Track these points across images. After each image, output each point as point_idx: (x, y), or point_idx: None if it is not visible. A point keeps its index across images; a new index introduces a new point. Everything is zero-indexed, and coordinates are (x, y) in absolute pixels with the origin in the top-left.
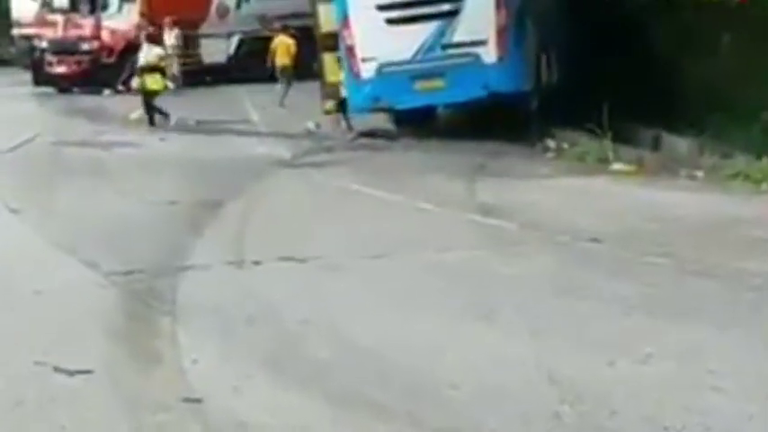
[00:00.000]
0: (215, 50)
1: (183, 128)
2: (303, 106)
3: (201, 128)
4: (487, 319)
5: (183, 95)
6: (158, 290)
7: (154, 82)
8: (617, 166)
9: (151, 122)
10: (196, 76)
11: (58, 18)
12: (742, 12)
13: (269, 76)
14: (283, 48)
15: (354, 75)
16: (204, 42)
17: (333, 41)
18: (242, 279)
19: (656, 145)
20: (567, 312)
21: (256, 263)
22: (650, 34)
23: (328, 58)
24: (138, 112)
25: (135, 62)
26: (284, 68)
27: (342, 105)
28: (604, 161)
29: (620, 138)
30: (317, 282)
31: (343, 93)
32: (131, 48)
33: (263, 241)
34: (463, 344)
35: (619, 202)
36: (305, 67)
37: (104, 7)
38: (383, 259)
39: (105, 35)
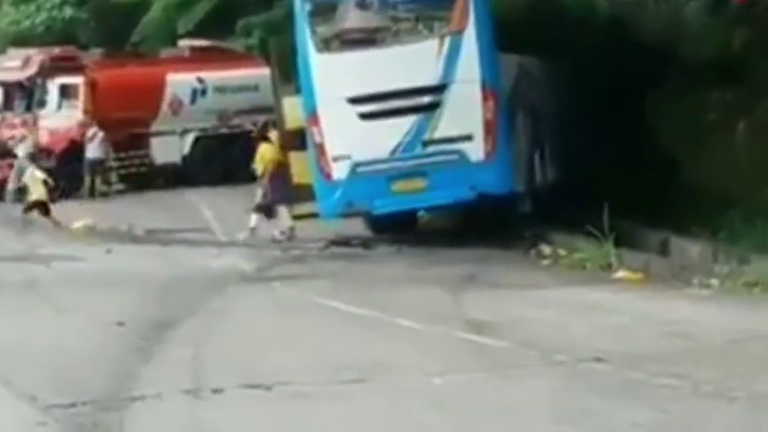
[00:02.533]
0: (167, 150)
1: (131, 238)
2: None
3: (152, 238)
4: None
5: (131, 201)
6: (105, 424)
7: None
8: (621, 273)
9: None
10: (146, 178)
11: None
12: (756, 95)
13: (230, 178)
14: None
15: (324, 176)
16: (155, 141)
17: (300, 139)
18: (199, 410)
19: (664, 249)
20: None
21: (216, 391)
22: (655, 126)
23: (295, 158)
24: (82, 221)
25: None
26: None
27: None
28: (607, 268)
29: (624, 241)
30: (285, 413)
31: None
32: (75, 149)
33: (223, 366)
34: None
35: (624, 315)
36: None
37: (41, 104)
38: (360, 385)
39: (43, 135)
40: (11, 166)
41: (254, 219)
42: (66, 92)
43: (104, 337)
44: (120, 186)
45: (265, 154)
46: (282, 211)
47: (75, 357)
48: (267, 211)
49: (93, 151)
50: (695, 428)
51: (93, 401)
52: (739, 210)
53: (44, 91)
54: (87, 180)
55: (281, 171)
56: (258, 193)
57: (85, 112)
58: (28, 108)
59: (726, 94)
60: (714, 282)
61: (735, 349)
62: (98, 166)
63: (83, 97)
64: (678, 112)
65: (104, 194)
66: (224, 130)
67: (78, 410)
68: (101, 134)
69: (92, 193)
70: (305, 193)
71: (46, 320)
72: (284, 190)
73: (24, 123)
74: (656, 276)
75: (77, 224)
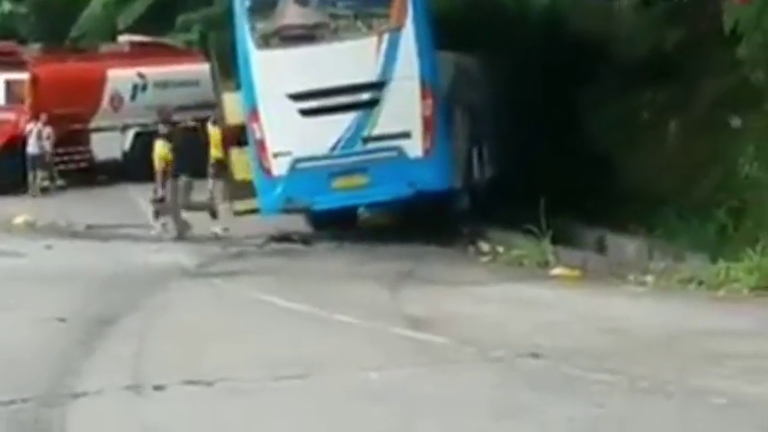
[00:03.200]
0: (108, 146)
1: (71, 234)
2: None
3: (93, 233)
4: None
5: (72, 197)
6: (46, 421)
7: None
8: (558, 270)
9: None
10: (87, 174)
11: None
12: (688, 94)
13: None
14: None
15: (265, 171)
16: (96, 137)
17: (240, 134)
18: (140, 406)
19: (600, 247)
20: None
21: (157, 387)
22: (592, 125)
23: (235, 154)
24: (22, 217)
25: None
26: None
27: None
28: (544, 265)
29: (562, 239)
30: (226, 408)
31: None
32: (15, 144)
33: (164, 362)
34: None
35: (561, 311)
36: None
37: None
38: (299, 381)
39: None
40: None
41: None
42: (8, 87)
43: (45, 333)
44: (61, 182)
45: (160, 151)
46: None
47: (15, 354)
48: (159, 204)
49: (33, 147)
50: (631, 423)
51: (33, 398)
52: (674, 207)
53: None
54: (30, 176)
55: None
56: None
57: (30, 107)
58: None
59: (658, 93)
60: (649, 278)
61: (670, 345)
62: (38, 161)
63: (27, 92)
64: (612, 111)
65: (45, 190)
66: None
67: (19, 407)
68: (47, 129)
69: (33, 189)
70: (245, 190)
71: None
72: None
73: None
74: (593, 273)
75: (17, 220)
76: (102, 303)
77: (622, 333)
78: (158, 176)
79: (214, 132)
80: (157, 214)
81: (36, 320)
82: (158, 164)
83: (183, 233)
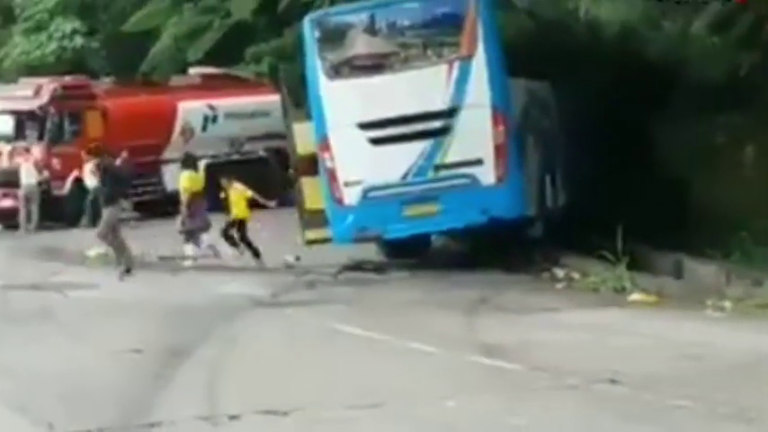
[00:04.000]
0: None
1: (143, 265)
2: (281, 238)
3: (165, 265)
4: None
5: (144, 228)
6: None
7: None
8: (635, 296)
9: None
10: (157, 205)
11: (2, 146)
12: (765, 117)
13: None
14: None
15: (336, 201)
16: (167, 169)
17: (311, 164)
18: None
19: (677, 272)
20: None
21: (232, 417)
22: (666, 149)
23: (307, 183)
24: (96, 248)
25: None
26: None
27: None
28: (621, 291)
29: (638, 264)
30: None
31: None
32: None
33: (239, 392)
34: None
35: (638, 338)
36: (280, 194)
37: (53, 133)
38: (375, 410)
39: (56, 164)
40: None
41: (188, 248)
42: (77, 120)
43: (120, 364)
44: (134, 214)
45: (184, 182)
46: (203, 236)
47: (91, 384)
48: (189, 235)
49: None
50: None
51: (108, 428)
52: (750, 231)
53: (56, 120)
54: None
55: (198, 200)
56: (179, 220)
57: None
58: (40, 137)
59: (734, 116)
60: (727, 303)
61: (750, 371)
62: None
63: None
64: (687, 135)
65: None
66: (235, 157)
67: None
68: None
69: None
70: (317, 219)
71: (62, 348)
72: (202, 216)
73: (28, 151)
74: (670, 299)
75: (91, 252)
76: (175, 334)
77: (701, 359)
78: (184, 207)
79: (184, 176)
80: (188, 239)
81: (111, 352)
82: (184, 195)
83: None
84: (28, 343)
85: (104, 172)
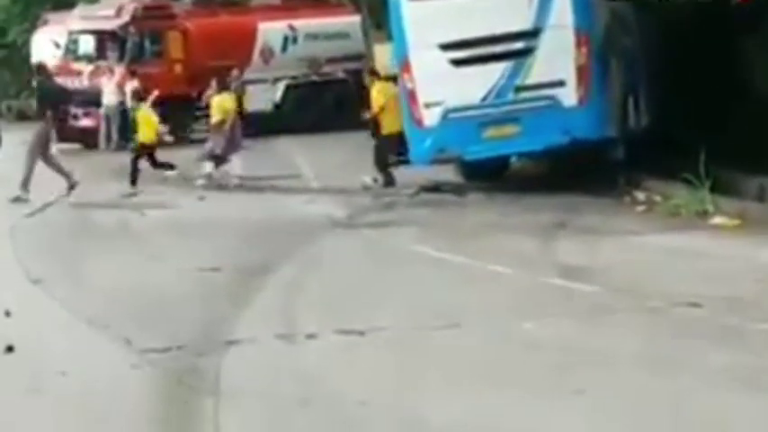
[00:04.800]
0: (259, 98)
1: (223, 185)
2: (358, 160)
3: (244, 185)
4: (575, 398)
5: None
6: (200, 369)
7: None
8: (717, 219)
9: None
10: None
11: (84, 66)
12: None
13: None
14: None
15: (416, 122)
16: (247, 90)
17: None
18: (294, 355)
19: (761, 195)
20: (665, 389)
21: (310, 336)
22: (754, 71)
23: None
24: (175, 170)
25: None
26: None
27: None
28: (703, 215)
29: (721, 188)
30: (379, 357)
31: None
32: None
33: (317, 312)
34: (549, 426)
35: (720, 261)
36: (358, 116)
37: (134, 53)
38: (453, 330)
39: (138, 84)
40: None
41: (208, 165)
42: (157, 41)
43: (200, 282)
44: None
45: (224, 104)
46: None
47: (169, 303)
48: (220, 160)
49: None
50: None
51: (187, 346)
52: None
53: (136, 40)
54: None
55: (235, 122)
56: (219, 141)
57: (178, 61)
58: (121, 57)
59: None
60: None
61: None
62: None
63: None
64: None
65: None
66: (315, 78)
67: (173, 355)
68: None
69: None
70: (394, 141)
71: (141, 266)
72: (238, 141)
73: (111, 71)
74: (753, 222)
75: (170, 172)
76: (254, 254)
77: None
78: (226, 128)
79: (223, 98)
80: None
81: (190, 270)
82: (224, 116)
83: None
84: (106, 261)
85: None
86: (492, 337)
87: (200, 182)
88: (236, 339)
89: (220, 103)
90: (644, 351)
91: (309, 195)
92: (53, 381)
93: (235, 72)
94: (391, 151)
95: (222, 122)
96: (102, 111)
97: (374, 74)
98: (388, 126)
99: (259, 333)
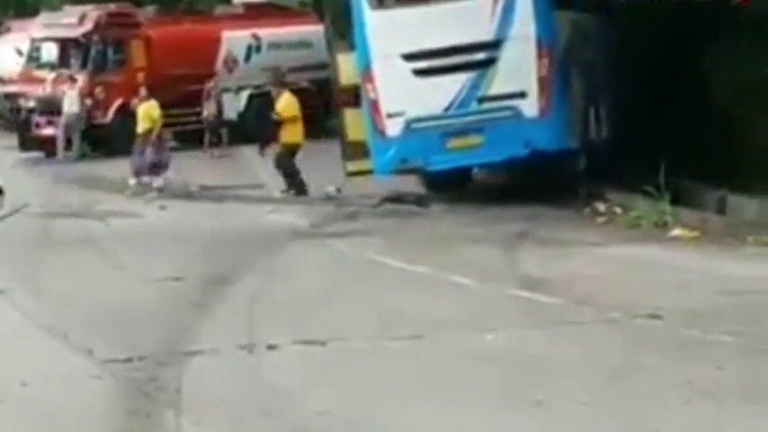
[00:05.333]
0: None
1: (185, 195)
2: (321, 168)
3: (206, 194)
4: (536, 409)
5: (186, 158)
6: (161, 379)
7: None
8: (677, 231)
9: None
10: (200, 135)
11: (46, 74)
12: None
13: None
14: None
15: (378, 132)
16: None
17: (354, 96)
18: (255, 365)
19: (720, 207)
20: (624, 399)
21: (271, 347)
22: (713, 83)
23: (349, 114)
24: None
25: None
26: None
27: None
28: (662, 226)
29: (680, 200)
30: (339, 368)
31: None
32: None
33: (278, 322)
34: None
35: (679, 273)
36: (322, 125)
37: (96, 61)
38: (415, 341)
39: (99, 92)
40: None
41: (154, 180)
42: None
43: (161, 292)
44: (175, 144)
45: (152, 112)
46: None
47: (131, 312)
48: (158, 167)
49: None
50: (751, 385)
51: (149, 356)
52: None
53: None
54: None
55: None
56: (148, 151)
57: (141, 69)
58: (84, 65)
59: None
60: None
61: None
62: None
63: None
64: (735, 68)
65: None
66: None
67: (134, 365)
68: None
69: None
70: (359, 151)
71: (103, 276)
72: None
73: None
74: (713, 234)
75: (132, 181)
76: (216, 264)
77: (742, 294)
78: (154, 138)
79: (150, 106)
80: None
81: (152, 280)
82: (153, 126)
83: None
84: (69, 270)
85: None
86: (453, 348)
87: (152, 195)
88: (198, 350)
89: (148, 112)
90: (604, 363)
91: (272, 205)
92: (14, 391)
93: (213, 80)
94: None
95: (150, 131)
96: (62, 119)
97: (281, 84)
98: (292, 136)
99: (221, 343)
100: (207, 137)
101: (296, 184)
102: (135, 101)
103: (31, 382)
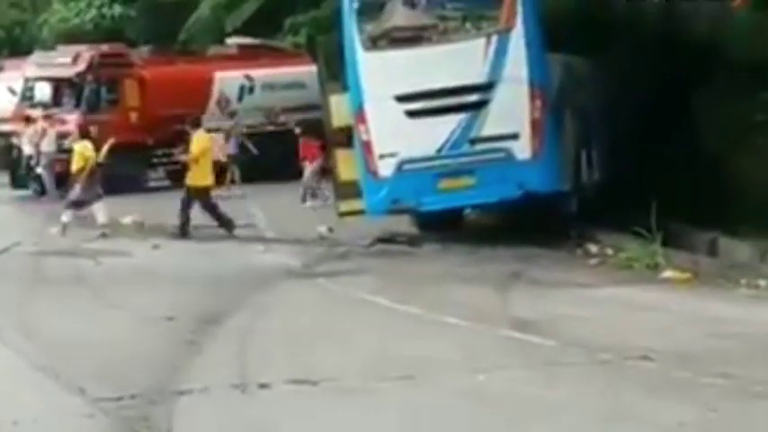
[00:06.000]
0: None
1: (178, 235)
2: (313, 210)
3: (200, 234)
4: None
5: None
6: (153, 418)
7: None
8: (668, 273)
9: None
10: None
11: (39, 113)
12: None
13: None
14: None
15: (371, 173)
16: None
17: (346, 137)
18: (246, 405)
19: (712, 250)
20: None
21: (262, 386)
22: (704, 126)
23: (342, 155)
24: (130, 216)
25: None
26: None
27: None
28: (654, 268)
29: (672, 242)
30: (331, 408)
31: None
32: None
33: (270, 361)
34: None
35: (671, 315)
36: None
37: (90, 100)
38: (406, 382)
39: (93, 132)
40: (61, 162)
41: (68, 214)
42: (114, 89)
43: (153, 331)
44: (167, 183)
45: (84, 152)
46: (99, 207)
47: (123, 351)
48: (80, 205)
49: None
50: (743, 428)
51: (140, 395)
52: None
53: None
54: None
55: (93, 170)
56: (76, 188)
57: (133, 109)
58: (77, 105)
59: None
60: (762, 282)
61: None
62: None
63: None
64: (725, 112)
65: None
66: (271, 128)
67: (126, 404)
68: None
69: None
70: (351, 191)
71: (95, 315)
72: (96, 187)
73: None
74: (704, 276)
75: (126, 220)
76: (208, 303)
77: (734, 337)
78: (84, 176)
79: (83, 146)
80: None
81: (144, 319)
82: (86, 163)
83: None
84: (60, 309)
85: None
86: (444, 388)
87: (55, 230)
88: (189, 389)
89: (81, 151)
90: (596, 404)
91: (264, 244)
92: (6, 429)
93: (234, 120)
94: (191, 203)
95: (82, 169)
96: (42, 160)
97: (196, 124)
98: (200, 179)
99: (212, 382)
100: (229, 175)
101: (223, 222)
102: (70, 139)
103: (22, 420)
